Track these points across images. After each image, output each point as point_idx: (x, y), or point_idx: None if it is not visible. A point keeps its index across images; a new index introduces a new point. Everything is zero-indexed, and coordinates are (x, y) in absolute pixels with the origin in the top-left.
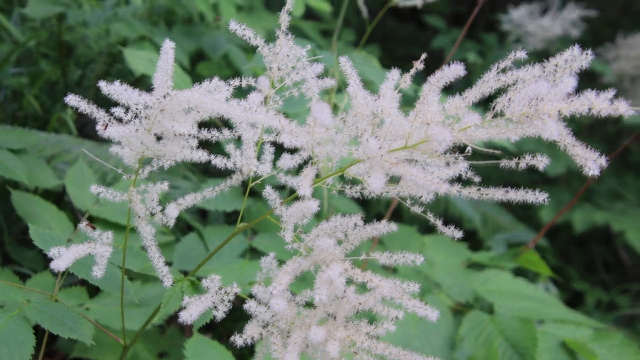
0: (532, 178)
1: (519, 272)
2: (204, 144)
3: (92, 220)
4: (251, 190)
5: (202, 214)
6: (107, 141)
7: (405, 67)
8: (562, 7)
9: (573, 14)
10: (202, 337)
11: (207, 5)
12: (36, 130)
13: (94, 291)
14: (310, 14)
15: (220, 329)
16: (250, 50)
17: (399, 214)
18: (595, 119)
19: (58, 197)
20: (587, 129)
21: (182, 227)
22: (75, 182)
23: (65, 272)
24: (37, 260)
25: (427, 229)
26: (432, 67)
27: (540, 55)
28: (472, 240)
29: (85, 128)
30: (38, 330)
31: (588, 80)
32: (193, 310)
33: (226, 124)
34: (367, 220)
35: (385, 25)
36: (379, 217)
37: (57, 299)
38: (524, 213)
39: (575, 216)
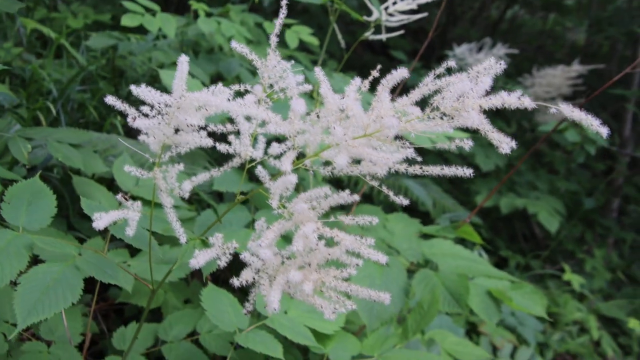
0: (471, 173)
1: (461, 243)
2: (214, 137)
3: (133, 199)
4: (254, 178)
5: (219, 196)
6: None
7: (376, 88)
8: (493, 46)
9: (500, 51)
10: (215, 287)
11: (224, 39)
12: (93, 132)
13: (134, 252)
14: (303, 47)
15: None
16: (256, 73)
17: (370, 199)
18: (518, 129)
19: (110, 182)
20: (511, 137)
21: (204, 206)
22: (120, 169)
23: (109, 235)
24: (93, 230)
25: (391, 209)
26: (395, 88)
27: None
28: (426, 219)
29: (131, 131)
30: (94, 281)
31: None
32: (200, 259)
33: (230, 120)
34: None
35: (362, 57)
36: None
37: (103, 256)
38: (464, 199)
39: (502, 201)
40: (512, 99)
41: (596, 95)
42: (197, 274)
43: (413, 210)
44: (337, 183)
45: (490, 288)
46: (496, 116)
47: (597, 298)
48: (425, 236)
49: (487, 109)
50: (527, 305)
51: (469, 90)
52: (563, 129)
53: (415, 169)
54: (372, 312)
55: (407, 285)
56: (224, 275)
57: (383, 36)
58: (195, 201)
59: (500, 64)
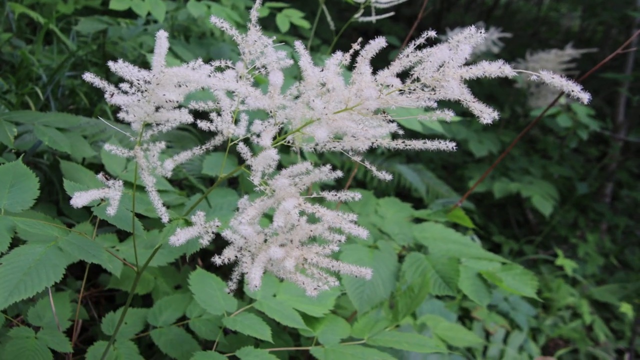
0: (465, 159)
1: (454, 229)
2: (197, 117)
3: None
4: (242, 162)
5: (211, 182)
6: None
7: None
8: (486, 30)
9: (494, 35)
10: (203, 270)
11: (214, 24)
12: (82, 117)
13: (123, 238)
14: (296, 33)
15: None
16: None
17: (364, 185)
18: (512, 115)
19: (100, 168)
20: (504, 122)
21: (195, 191)
22: (109, 154)
23: (98, 220)
24: (83, 216)
25: (382, 194)
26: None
27: (469, 64)
28: (419, 205)
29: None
30: (84, 268)
31: (506, 84)
32: (181, 236)
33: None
34: (338, 188)
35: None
36: (348, 187)
37: (87, 237)
38: (458, 185)
39: (495, 186)
40: (493, 68)
41: (589, 78)
42: (189, 260)
43: (406, 196)
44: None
45: (481, 270)
46: (489, 101)
47: (590, 283)
48: (417, 221)
49: (467, 78)
50: (517, 286)
51: (448, 60)
52: (555, 113)
53: (398, 144)
54: (363, 297)
55: (397, 270)
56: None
57: (373, 18)
58: (187, 187)
59: (480, 32)
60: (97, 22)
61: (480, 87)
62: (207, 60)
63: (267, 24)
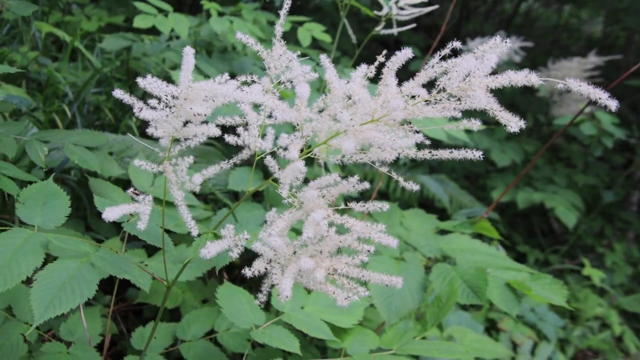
0: (488, 168)
1: (478, 239)
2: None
3: None
4: (269, 176)
5: (235, 196)
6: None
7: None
8: (506, 39)
9: (515, 44)
10: (231, 284)
11: (237, 39)
12: (108, 133)
13: (151, 252)
14: (316, 45)
15: (251, 284)
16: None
17: (387, 196)
18: (534, 124)
19: (126, 184)
20: (527, 131)
21: (220, 206)
22: (136, 170)
23: (126, 235)
24: (111, 231)
25: (405, 205)
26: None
27: (493, 74)
28: (442, 215)
29: (146, 132)
30: (113, 282)
31: (528, 93)
32: (211, 249)
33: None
34: (362, 200)
35: (375, 55)
36: (370, 198)
37: (118, 253)
38: (480, 194)
39: (519, 197)
40: (519, 77)
41: (613, 86)
42: (214, 273)
43: (429, 207)
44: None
45: (510, 280)
46: (511, 110)
47: (618, 293)
48: (442, 232)
49: (494, 88)
50: (547, 295)
51: (474, 69)
52: (579, 121)
53: (425, 154)
54: (391, 307)
55: (424, 280)
56: (241, 276)
57: (394, 30)
58: (211, 201)
59: (505, 41)
60: (122, 39)
61: (502, 96)
62: (229, 75)
63: (289, 38)
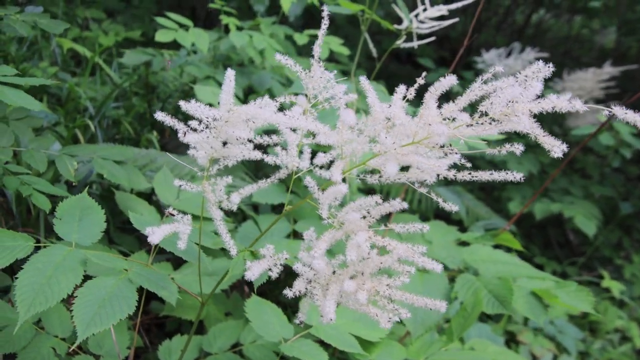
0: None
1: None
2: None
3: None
4: (291, 190)
5: (254, 208)
6: (183, 152)
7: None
8: (521, 51)
9: (530, 55)
10: (259, 298)
11: (255, 52)
12: (133, 147)
13: (176, 265)
14: (331, 58)
15: (270, 297)
16: (287, 85)
17: (403, 210)
18: (550, 135)
19: (148, 197)
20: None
21: (240, 218)
22: (161, 183)
23: (156, 249)
24: (133, 243)
25: (421, 217)
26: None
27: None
28: (459, 227)
29: (166, 145)
30: (138, 295)
31: None
32: (255, 270)
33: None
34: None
35: (388, 67)
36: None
37: (153, 269)
38: (496, 206)
39: (536, 207)
40: (562, 102)
41: (630, 96)
42: (237, 287)
43: (446, 218)
44: (369, 193)
45: (534, 289)
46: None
47: (638, 305)
48: (463, 244)
49: (536, 112)
50: (573, 303)
51: (518, 96)
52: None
53: (464, 175)
54: (416, 319)
55: (448, 292)
56: (260, 288)
57: (415, 43)
58: (232, 213)
59: (549, 66)
60: (142, 53)
61: None
62: (247, 88)
63: (304, 51)
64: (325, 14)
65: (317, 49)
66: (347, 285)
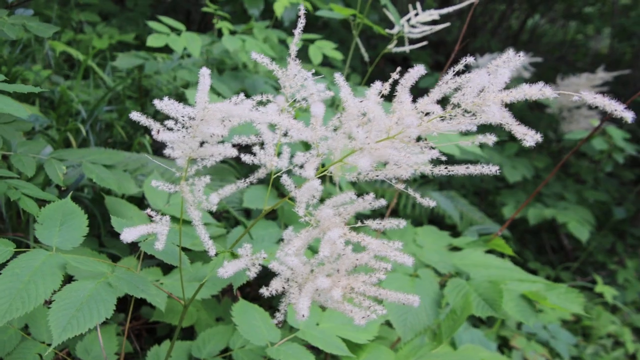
0: (497, 185)
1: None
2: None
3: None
4: (283, 195)
5: (247, 213)
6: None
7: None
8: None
9: (524, 59)
10: (246, 302)
11: (248, 57)
12: (123, 151)
13: (166, 270)
14: (326, 63)
15: (263, 302)
16: (281, 89)
17: (397, 214)
18: (544, 140)
19: (140, 201)
20: (537, 147)
21: (232, 224)
22: (151, 188)
23: (142, 254)
24: (124, 248)
25: (415, 222)
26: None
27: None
28: (453, 232)
29: (159, 149)
30: (127, 301)
31: (537, 109)
32: (229, 268)
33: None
34: (373, 217)
35: (384, 71)
36: (382, 216)
37: (135, 272)
38: (490, 211)
39: (530, 213)
40: (534, 91)
41: (623, 101)
42: (228, 291)
43: (440, 223)
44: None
45: (524, 291)
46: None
47: (631, 310)
48: (454, 249)
49: (508, 102)
50: (563, 304)
51: (488, 84)
52: (590, 137)
53: (441, 170)
54: (406, 324)
55: (439, 296)
56: (254, 293)
57: (406, 48)
58: (224, 219)
59: (519, 56)
60: (135, 57)
61: (512, 112)
62: (241, 93)
63: (300, 56)
64: (301, 12)
65: (294, 48)
66: (321, 282)
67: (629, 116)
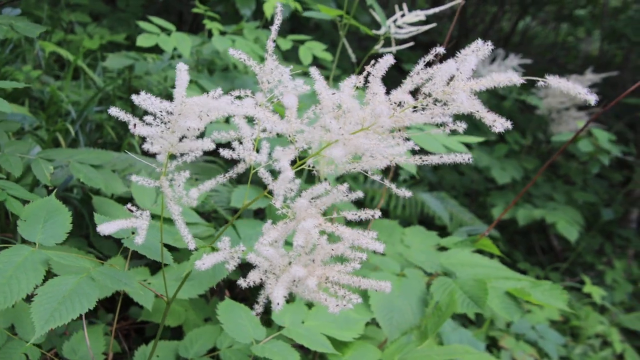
0: (487, 186)
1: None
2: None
3: (152, 217)
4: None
5: (236, 213)
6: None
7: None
8: (505, 57)
9: (513, 61)
10: (231, 300)
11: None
12: (112, 152)
13: (154, 270)
14: (316, 64)
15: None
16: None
17: (387, 214)
18: (534, 142)
19: (128, 201)
20: (527, 148)
21: (221, 223)
22: (139, 188)
23: (130, 253)
24: (112, 248)
25: (405, 222)
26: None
27: (491, 92)
28: (443, 233)
29: (148, 150)
30: (115, 301)
31: (527, 111)
32: (206, 261)
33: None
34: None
35: None
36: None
37: (117, 268)
38: (481, 212)
39: (519, 213)
40: (502, 77)
41: (610, 104)
42: (217, 292)
43: (430, 224)
44: (355, 202)
45: (509, 289)
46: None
47: (619, 310)
48: (442, 249)
49: (477, 90)
50: (547, 300)
51: (457, 73)
52: (577, 138)
53: (416, 160)
54: (392, 322)
55: (425, 296)
56: (244, 294)
57: (393, 49)
58: (214, 219)
59: (488, 44)
60: (125, 57)
61: (501, 113)
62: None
63: (290, 56)
64: (278, 10)
65: (270, 44)
66: (296, 271)
67: (592, 99)
